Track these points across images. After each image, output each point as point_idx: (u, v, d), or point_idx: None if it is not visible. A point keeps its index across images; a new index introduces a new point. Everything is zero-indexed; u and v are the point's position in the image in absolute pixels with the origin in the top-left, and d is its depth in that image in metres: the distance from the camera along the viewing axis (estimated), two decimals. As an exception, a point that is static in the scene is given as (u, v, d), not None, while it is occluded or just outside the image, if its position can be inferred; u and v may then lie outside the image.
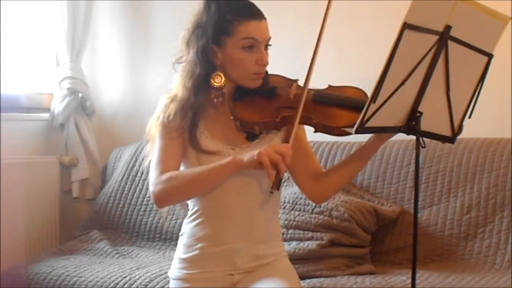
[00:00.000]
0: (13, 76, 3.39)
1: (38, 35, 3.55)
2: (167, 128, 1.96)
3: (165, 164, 1.92)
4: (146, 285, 2.43)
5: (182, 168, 2.00)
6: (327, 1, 1.90)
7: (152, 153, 1.99)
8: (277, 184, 1.79)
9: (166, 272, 2.22)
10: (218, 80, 1.96)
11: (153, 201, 1.94)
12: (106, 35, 3.71)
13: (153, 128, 2.01)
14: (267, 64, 1.97)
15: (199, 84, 1.96)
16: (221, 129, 1.99)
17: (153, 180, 1.91)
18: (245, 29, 1.91)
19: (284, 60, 2.63)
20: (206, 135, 1.98)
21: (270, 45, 1.97)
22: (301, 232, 2.55)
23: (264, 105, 1.96)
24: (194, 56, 1.95)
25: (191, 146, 1.96)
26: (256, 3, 1.98)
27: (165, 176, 1.89)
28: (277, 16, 3.01)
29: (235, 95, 1.98)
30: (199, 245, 1.99)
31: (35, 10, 3.50)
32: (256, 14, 1.94)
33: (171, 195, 1.91)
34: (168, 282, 2.19)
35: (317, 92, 1.97)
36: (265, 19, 1.95)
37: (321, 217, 2.55)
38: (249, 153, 1.82)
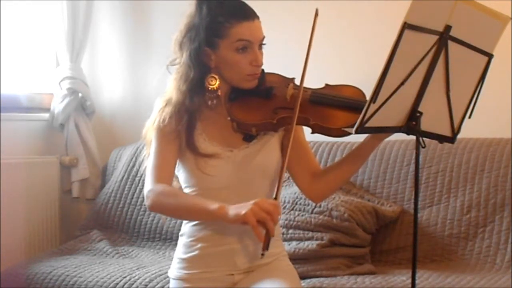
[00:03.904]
0: (13, 76, 3.39)
1: (38, 35, 3.54)
2: (162, 132, 1.96)
3: (160, 169, 1.93)
4: (146, 285, 2.43)
5: (180, 168, 2.01)
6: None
7: (149, 156, 1.99)
8: (267, 245, 1.72)
9: (166, 272, 2.21)
10: (213, 83, 1.95)
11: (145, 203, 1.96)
12: (106, 35, 3.71)
13: (149, 132, 2.01)
14: (261, 64, 1.96)
15: (194, 87, 1.95)
16: (218, 130, 1.99)
17: (148, 185, 1.92)
18: (237, 31, 1.90)
19: (283, 59, 2.63)
20: (203, 137, 1.97)
21: (264, 44, 1.96)
22: (301, 232, 2.55)
23: (261, 106, 1.95)
24: (187, 59, 1.94)
25: (189, 150, 1.96)
26: (254, 3, 1.96)
27: (160, 188, 1.89)
28: (275, 16, 3.03)
29: (231, 96, 1.97)
30: (199, 245, 1.99)
31: (35, 10, 3.50)
32: (248, 15, 1.92)
33: (159, 209, 1.97)
34: (168, 282, 2.19)
35: (314, 92, 1.97)
36: (258, 18, 1.93)
37: (321, 217, 2.55)
38: (236, 210, 1.74)
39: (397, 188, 2.78)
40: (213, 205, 1.80)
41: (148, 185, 1.92)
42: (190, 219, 2.00)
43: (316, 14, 1.91)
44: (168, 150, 1.95)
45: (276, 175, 2.00)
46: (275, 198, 1.81)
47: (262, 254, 1.73)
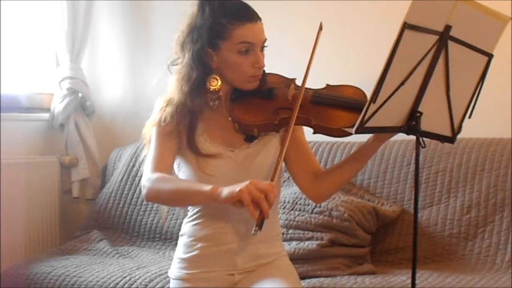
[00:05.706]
0: (13, 76, 3.39)
1: (38, 35, 3.54)
2: (163, 130, 1.96)
3: (158, 161, 1.92)
4: (146, 285, 2.43)
5: (181, 169, 2.01)
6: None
7: (148, 153, 1.99)
8: (260, 224, 1.69)
9: (166, 272, 2.22)
10: (214, 84, 1.95)
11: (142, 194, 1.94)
12: (106, 35, 3.71)
13: (149, 131, 2.01)
14: (263, 66, 1.96)
15: (196, 88, 1.95)
16: (219, 130, 1.99)
17: (145, 175, 1.92)
18: (240, 33, 1.90)
19: (285, 60, 2.64)
20: (205, 137, 1.97)
21: (266, 46, 1.96)
22: (301, 232, 2.55)
23: (262, 107, 1.95)
24: (189, 60, 1.94)
25: (190, 150, 1.96)
26: (257, 3, 1.97)
27: (156, 175, 1.88)
28: (277, 17, 3.02)
29: (232, 96, 1.97)
30: (199, 245, 1.99)
31: (35, 10, 3.50)
32: (251, 16, 1.92)
33: (155, 197, 1.93)
34: (168, 282, 2.19)
35: (315, 92, 1.97)
36: (260, 20, 1.93)
37: (321, 217, 2.55)
38: (230, 188, 1.72)
39: (397, 188, 2.78)
40: (207, 187, 1.78)
41: (145, 175, 1.92)
42: (186, 203, 2.00)
43: (321, 28, 1.91)
44: (167, 147, 1.95)
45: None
46: (271, 181, 1.78)
47: (255, 232, 1.69)
